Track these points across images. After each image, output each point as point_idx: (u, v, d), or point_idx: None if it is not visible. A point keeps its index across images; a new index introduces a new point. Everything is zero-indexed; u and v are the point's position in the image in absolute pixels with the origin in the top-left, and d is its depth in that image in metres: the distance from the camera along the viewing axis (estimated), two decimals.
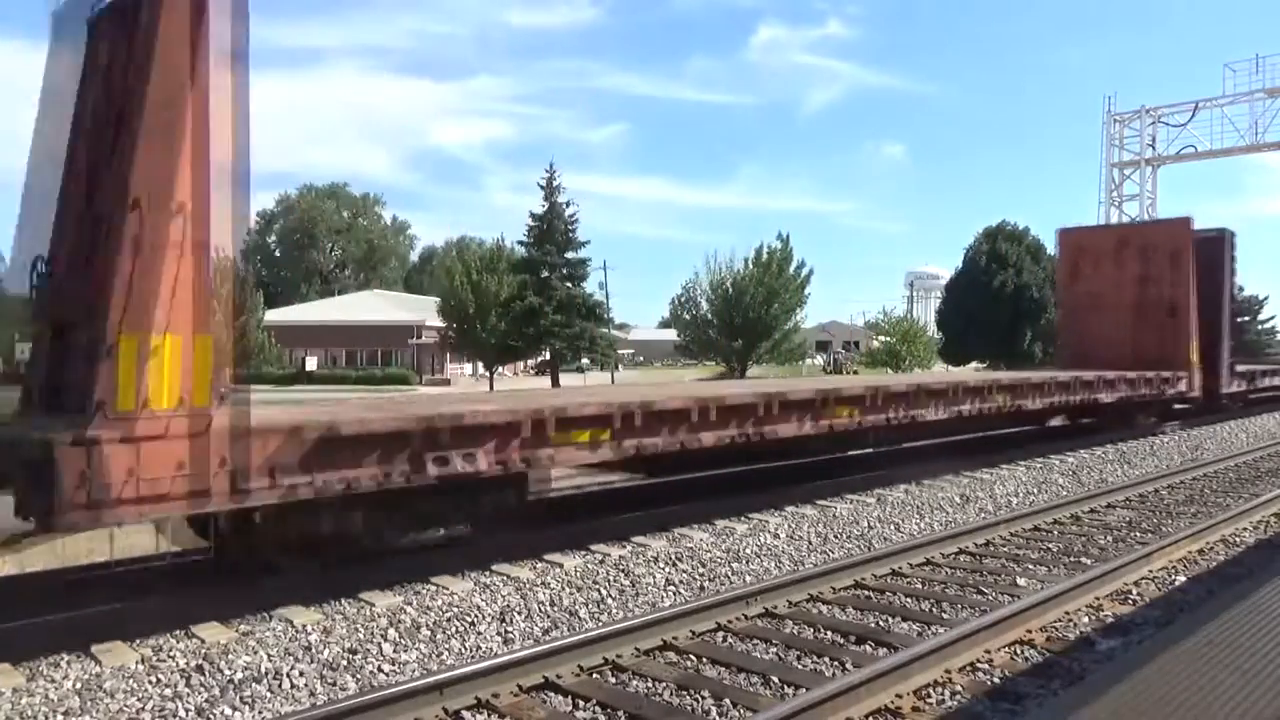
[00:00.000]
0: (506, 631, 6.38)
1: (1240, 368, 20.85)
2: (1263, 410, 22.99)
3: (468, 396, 10.73)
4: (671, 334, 65.71)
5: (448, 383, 62.63)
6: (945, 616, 6.92)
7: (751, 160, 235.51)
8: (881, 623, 6.79)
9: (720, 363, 52.84)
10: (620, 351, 70.15)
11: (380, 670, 5.66)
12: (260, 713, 5.09)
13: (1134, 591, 7.50)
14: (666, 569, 7.79)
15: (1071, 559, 8.74)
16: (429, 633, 6.17)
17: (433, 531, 7.26)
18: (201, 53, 5.66)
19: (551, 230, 50.13)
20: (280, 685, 5.34)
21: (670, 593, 7.40)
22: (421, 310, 68.98)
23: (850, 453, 12.25)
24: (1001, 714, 5.07)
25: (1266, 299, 61.37)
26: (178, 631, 5.90)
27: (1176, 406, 19.01)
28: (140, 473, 5.35)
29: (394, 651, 5.88)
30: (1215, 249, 19.49)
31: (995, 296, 43.73)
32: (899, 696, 5.22)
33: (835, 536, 9.25)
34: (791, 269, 49.11)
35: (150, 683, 5.22)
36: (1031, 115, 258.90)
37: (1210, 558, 8.74)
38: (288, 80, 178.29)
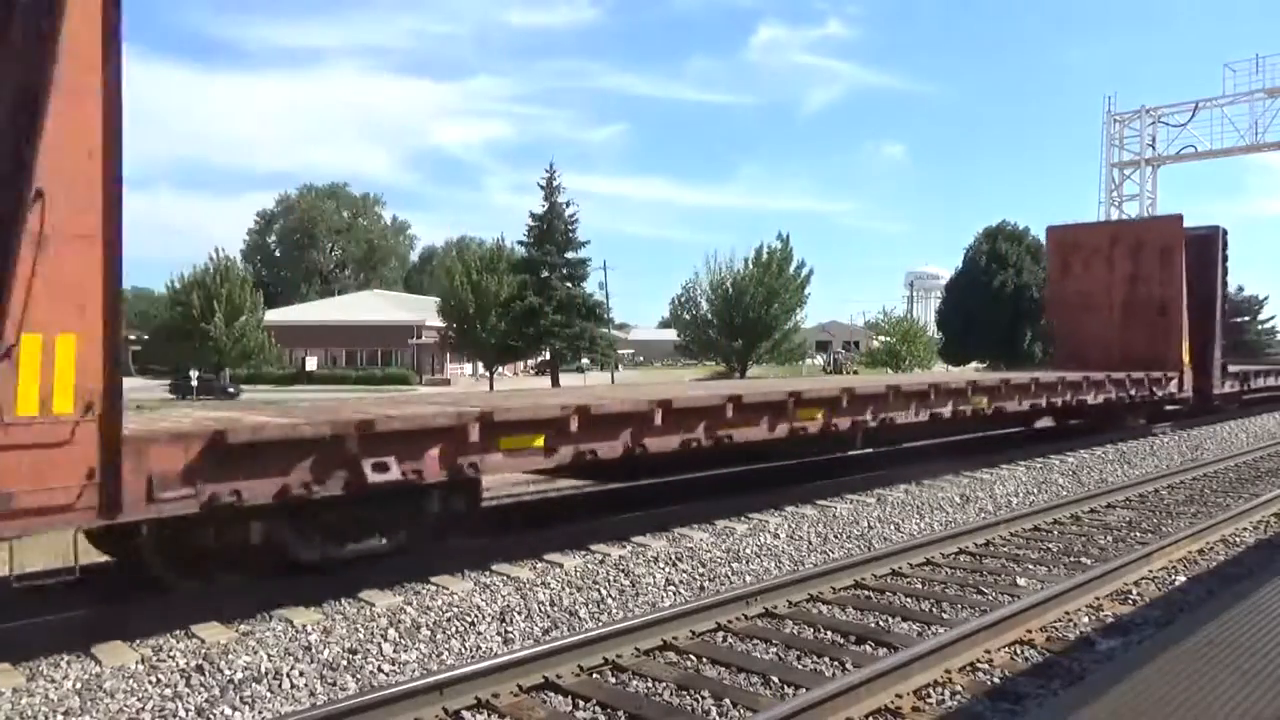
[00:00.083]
0: (506, 631, 6.38)
1: (1233, 368, 20.51)
2: (1260, 411, 22.66)
3: (421, 398, 10.06)
4: (671, 334, 65.75)
5: (448, 383, 62.64)
6: (945, 616, 6.92)
7: (751, 160, 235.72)
8: (881, 623, 6.78)
9: (720, 362, 52.87)
10: (620, 351, 70.16)
11: (380, 670, 5.66)
12: (260, 713, 5.09)
13: (1134, 591, 7.50)
14: (666, 569, 7.79)
15: (1071, 559, 8.73)
16: (429, 633, 6.17)
17: (370, 542, 6.77)
18: (114, 37, 5.17)
19: (551, 230, 50.16)
20: (280, 685, 5.34)
21: (670, 593, 7.40)
22: (421, 310, 69.03)
23: (817, 457, 11.84)
24: (1001, 714, 5.07)
25: (1266, 299, 61.33)
26: (178, 631, 5.89)
27: (1168, 408, 18.73)
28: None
29: (394, 651, 5.88)
30: (1208, 247, 19.17)
31: (995, 296, 43.74)
32: (899, 696, 5.22)
33: (835, 536, 9.25)
34: (791, 269, 49.18)
35: (150, 683, 5.22)
36: (1031, 115, 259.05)
37: (1210, 558, 8.74)
38: (288, 80, 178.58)
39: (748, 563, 8.23)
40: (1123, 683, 3.24)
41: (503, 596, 6.82)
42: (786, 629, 6.59)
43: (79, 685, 5.13)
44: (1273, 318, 62.08)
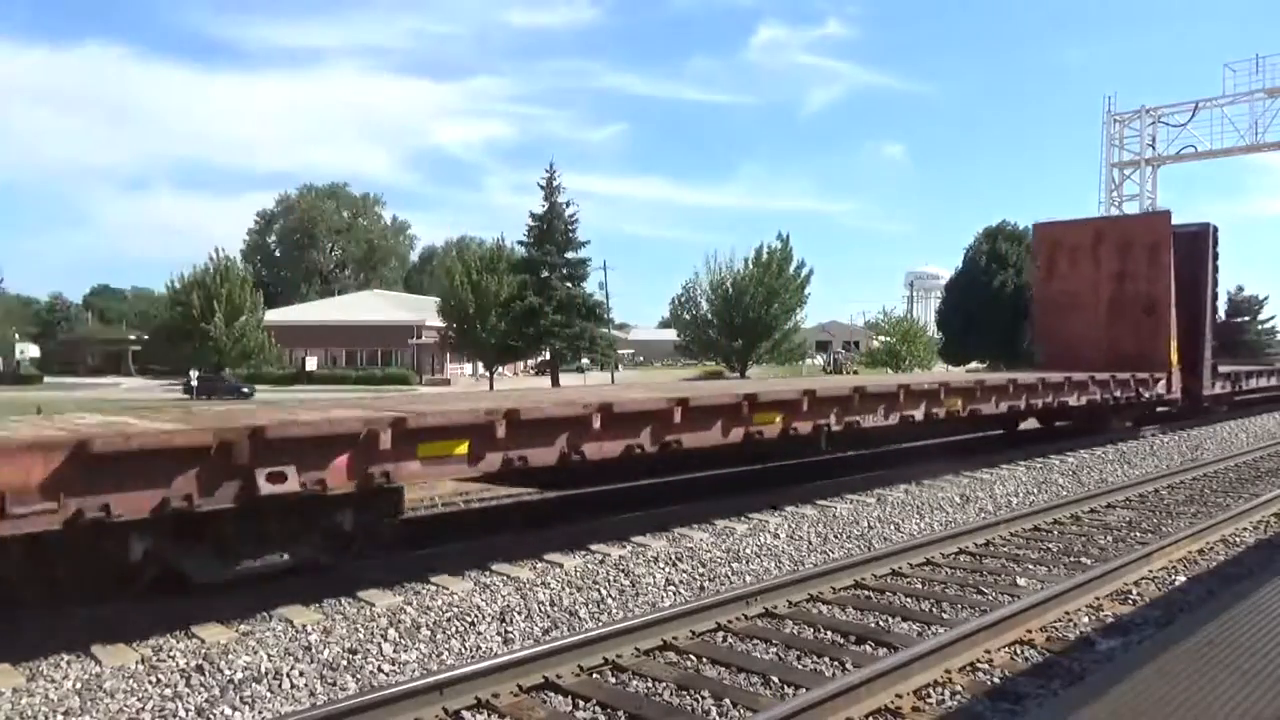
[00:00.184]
0: (506, 631, 6.38)
1: (1224, 368, 19.97)
2: (1252, 413, 22.24)
3: (343, 401, 9.48)
4: (671, 334, 65.78)
5: (448, 383, 62.67)
6: (945, 616, 6.92)
7: (751, 160, 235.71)
8: (881, 623, 6.78)
9: (720, 362, 52.88)
10: (620, 351, 70.20)
11: (380, 670, 5.66)
12: (260, 713, 5.09)
13: (1134, 591, 7.50)
14: (666, 569, 7.79)
15: (1071, 559, 8.73)
16: (429, 633, 6.17)
17: (271, 558, 6.34)
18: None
19: (551, 230, 50.19)
20: (280, 685, 5.34)
21: (670, 593, 7.40)
22: (421, 310, 69.03)
23: (775, 464, 11.42)
24: (1001, 714, 5.07)
25: (1266, 299, 61.27)
26: (178, 631, 5.89)
27: (1159, 409, 18.22)
28: None
29: (394, 651, 5.88)
30: (1198, 244, 18.66)
31: (995, 296, 43.72)
32: (899, 696, 5.22)
33: (835, 536, 9.25)
34: (791, 269, 49.18)
35: (150, 683, 5.22)
36: (1031, 115, 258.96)
37: (1210, 558, 8.74)
38: (288, 80, 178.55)
39: (748, 563, 8.23)
40: (1123, 683, 3.24)
41: (503, 596, 6.82)
42: (786, 629, 6.59)
43: (79, 685, 5.13)
44: (1272, 318, 62.02)
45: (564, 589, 7.09)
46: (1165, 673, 3.34)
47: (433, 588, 6.93)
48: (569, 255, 50.98)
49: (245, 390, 51.80)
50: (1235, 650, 3.58)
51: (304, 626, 6.03)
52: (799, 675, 5.67)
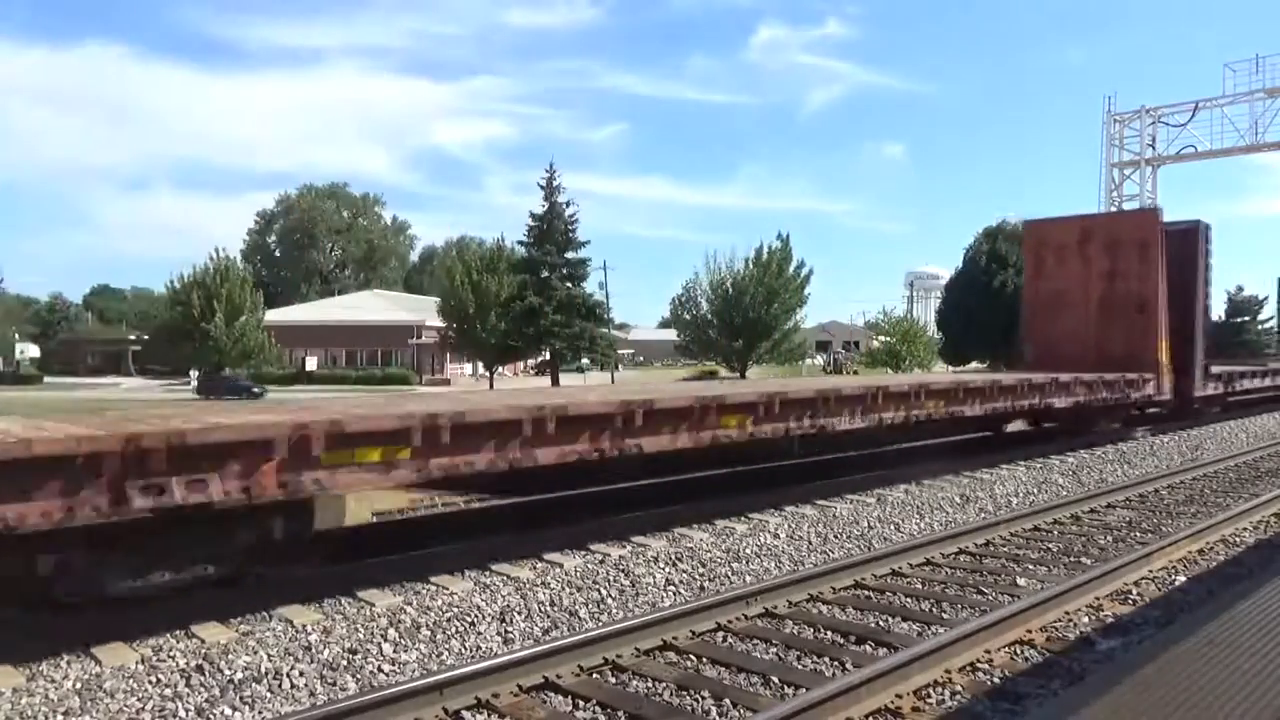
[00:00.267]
0: (506, 631, 6.38)
1: (1216, 369, 19.63)
2: (1253, 413, 22.04)
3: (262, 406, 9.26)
4: (671, 334, 65.77)
5: (448, 383, 62.66)
6: (945, 616, 6.92)
7: (751, 160, 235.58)
8: (881, 623, 6.79)
9: (720, 362, 52.90)
10: (620, 351, 70.23)
11: (380, 670, 5.66)
12: (260, 713, 5.09)
13: (1134, 591, 7.50)
14: (666, 569, 7.79)
15: (1071, 559, 8.73)
16: (429, 633, 6.17)
17: (193, 570, 6.10)
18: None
19: (551, 230, 50.18)
20: (280, 685, 5.34)
21: (670, 593, 7.40)
22: (421, 310, 69.03)
23: (747, 467, 11.15)
24: (1001, 714, 5.07)
25: (1266, 299, 61.34)
26: (178, 631, 5.89)
27: (1150, 411, 17.97)
28: None
29: (394, 651, 5.88)
30: (1189, 242, 18.34)
31: (995, 296, 43.71)
32: (899, 696, 5.22)
33: (835, 536, 9.25)
34: (791, 269, 49.19)
35: (150, 683, 5.22)
36: (1032, 115, 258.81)
37: (1210, 558, 8.74)
38: (288, 80, 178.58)
39: (748, 563, 8.23)
40: (1123, 683, 3.24)
41: (503, 596, 6.82)
42: (786, 629, 6.59)
43: (79, 685, 5.13)
44: (1271, 318, 62.07)
45: (564, 589, 7.09)
46: (1165, 673, 3.34)
47: (433, 588, 6.94)
48: (569, 255, 50.97)
49: (256, 390, 51.12)
50: (1236, 650, 3.58)
51: (304, 626, 6.03)
52: (799, 675, 5.67)
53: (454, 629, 6.27)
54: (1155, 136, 34.78)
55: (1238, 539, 9.51)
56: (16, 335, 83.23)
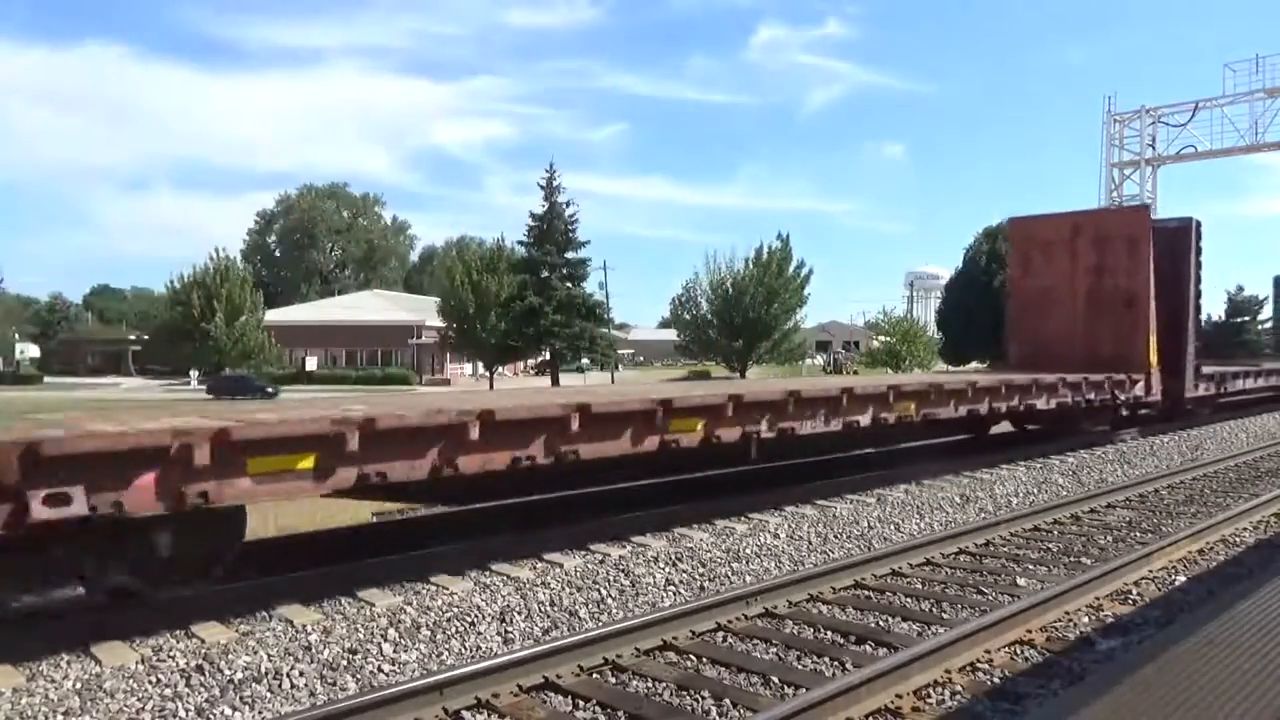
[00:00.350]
0: (506, 631, 6.38)
1: (1207, 369, 19.08)
2: (1251, 414, 21.80)
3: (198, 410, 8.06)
4: (671, 334, 65.84)
5: (448, 383, 62.71)
6: (945, 616, 6.92)
7: (751, 160, 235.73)
8: (881, 623, 6.79)
9: (720, 362, 52.92)
10: (620, 351, 70.24)
11: (380, 670, 5.66)
12: (260, 713, 5.09)
13: (1134, 591, 7.50)
14: (666, 569, 7.79)
15: (1071, 559, 8.73)
16: (429, 633, 6.17)
17: (64, 591, 5.70)
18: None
19: (551, 230, 50.26)
20: (280, 685, 5.34)
21: (670, 593, 7.40)
22: (421, 310, 69.10)
23: (703, 473, 10.81)
24: (1001, 714, 5.07)
25: (1266, 299, 61.31)
26: (178, 631, 5.89)
27: (1141, 412, 17.54)
28: None
29: (394, 651, 5.88)
30: (1180, 240, 17.77)
31: (995, 296, 43.64)
32: (899, 696, 5.22)
33: (835, 536, 9.25)
34: (791, 269, 49.27)
35: (150, 683, 5.22)
36: (1032, 115, 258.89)
37: (1210, 558, 8.74)
38: (288, 80, 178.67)
39: (748, 563, 8.23)
40: (1123, 683, 3.24)
41: (503, 596, 6.82)
42: (786, 629, 6.59)
43: (79, 685, 5.13)
44: (1269, 319, 62.02)
45: (564, 589, 7.09)
46: (1165, 673, 3.34)
47: (433, 588, 6.93)
48: (569, 255, 51.06)
49: (270, 390, 50.37)
50: (1236, 650, 3.58)
51: (304, 626, 6.03)
52: (799, 675, 5.67)
53: (454, 629, 6.27)
54: (1155, 136, 34.81)
55: (1238, 539, 9.51)
56: (16, 335, 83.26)
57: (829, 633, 6.53)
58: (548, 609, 6.77)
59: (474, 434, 6.95)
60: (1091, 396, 14.73)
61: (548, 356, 52.22)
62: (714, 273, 49.79)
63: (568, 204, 50.92)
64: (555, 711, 5.20)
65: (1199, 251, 18.16)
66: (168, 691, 5.15)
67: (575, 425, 7.64)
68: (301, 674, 5.47)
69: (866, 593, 7.53)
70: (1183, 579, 7.92)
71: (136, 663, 5.43)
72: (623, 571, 7.58)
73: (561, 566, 7.59)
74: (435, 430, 6.80)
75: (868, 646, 6.22)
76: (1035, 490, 12.21)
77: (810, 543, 8.98)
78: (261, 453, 5.92)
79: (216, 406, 9.88)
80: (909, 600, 7.39)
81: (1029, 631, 6.35)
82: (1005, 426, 16.50)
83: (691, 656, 5.99)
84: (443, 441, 6.84)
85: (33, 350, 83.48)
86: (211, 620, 6.06)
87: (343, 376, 64.16)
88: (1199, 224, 18.18)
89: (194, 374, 55.42)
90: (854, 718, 4.99)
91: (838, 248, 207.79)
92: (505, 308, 49.16)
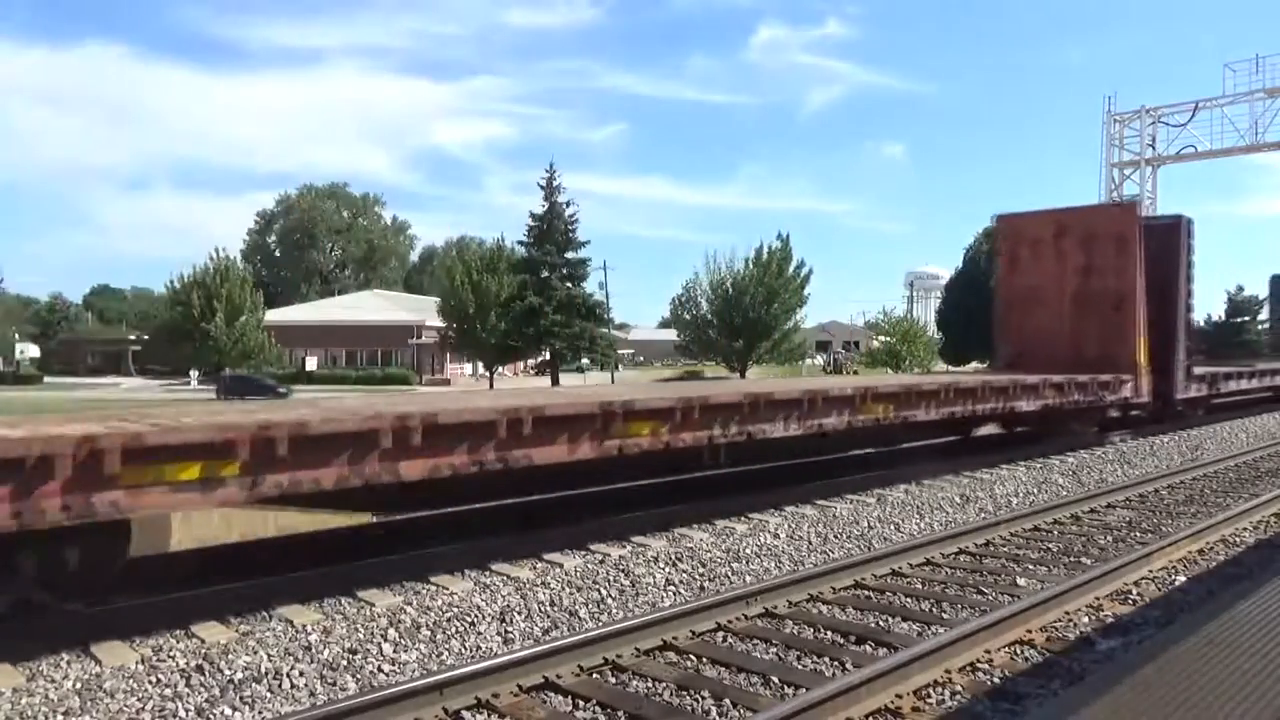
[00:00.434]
0: (506, 631, 6.38)
1: (1199, 370, 18.78)
2: (1251, 414, 21.67)
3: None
4: (671, 334, 65.86)
5: (448, 383, 62.71)
6: (945, 616, 6.92)
7: (751, 160, 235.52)
8: (881, 623, 6.79)
9: (720, 362, 52.93)
10: (620, 351, 70.24)
11: (380, 670, 5.66)
12: (260, 713, 5.09)
13: (1134, 591, 7.50)
14: (666, 569, 7.79)
15: (1071, 559, 8.74)
16: (429, 633, 6.18)
17: None
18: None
19: (551, 230, 50.26)
20: (280, 685, 5.34)
21: (670, 593, 7.41)
22: (421, 310, 69.09)
23: (664, 478, 10.55)
24: (1001, 714, 5.07)
25: (1266, 299, 61.28)
26: (178, 631, 5.89)
27: (1130, 413, 17.35)
28: None
29: (394, 651, 5.88)
30: (1171, 238, 17.43)
31: (995, 296, 43.71)
32: (899, 696, 5.22)
33: (835, 536, 9.25)
34: (791, 269, 49.27)
35: (150, 683, 5.22)
36: (1032, 115, 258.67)
37: (1210, 558, 8.74)
38: (288, 80, 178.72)
39: (748, 563, 8.23)
40: (1123, 683, 3.24)
41: (503, 596, 6.82)
42: (786, 629, 6.60)
43: (79, 685, 5.13)
44: (1266, 320, 62.01)
45: (564, 589, 7.09)
46: (1165, 673, 3.34)
47: (433, 588, 6.93)
48: (569, 255, 51.05)
49: (281, 390, 48.86)
50: (1236, 650, 3.58)
51: (304, 626, 6.03)
52: (799, 675, 5.67)
53: (454, 629, 6.28)
54: (1155, 136, 34.78)
55: (1238, 539, 9.51)
56: (16, 335, 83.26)
57: (829, 633, 6.53)
58: (548, 609, 6.77)
59: (417, 439, 6.69)
60: (1078, 398, 14.49)
61: (548, 356, 52.22)
62: (714, 273, 49.84)
63: (568, 204, 50.97)
64: (555, 711, 5.20)
65: (1190, 250, 17.88)
66: (168, 691, 5.15)
67: (527, 429, 7.38)
68: (301, 674, 5.47)
69: (866, 593, 7.53)
70: (1183, 579, 7.92)
71: (136, 663, 5.43)
72: (623, 571, 7.58)
73: (561, 566, 7.59)
74: (372, 435, 6.47)
75: (868, 646, 6.22)
76: (1035, 490, 12.21)
77: (810, 543, 8.98)
78: (176, 459, 5.60)
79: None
80: (909, 600, 7.39)
81: (1029, 631, 6.35)
82: (995, 429, 16.32)
83: (691, 656, 5.99)
84: (380, 447, 6.48)
85: (33, 350, 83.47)
86: (211, 620, 6.07)
87: (343, 376, 64.16)
88: (1190, 222, 17.92)
89: (194, 374, 55.34)
90: (854, 718, 4.99)
91: (838, 248, 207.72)
92: (505, 308, 49.16)
